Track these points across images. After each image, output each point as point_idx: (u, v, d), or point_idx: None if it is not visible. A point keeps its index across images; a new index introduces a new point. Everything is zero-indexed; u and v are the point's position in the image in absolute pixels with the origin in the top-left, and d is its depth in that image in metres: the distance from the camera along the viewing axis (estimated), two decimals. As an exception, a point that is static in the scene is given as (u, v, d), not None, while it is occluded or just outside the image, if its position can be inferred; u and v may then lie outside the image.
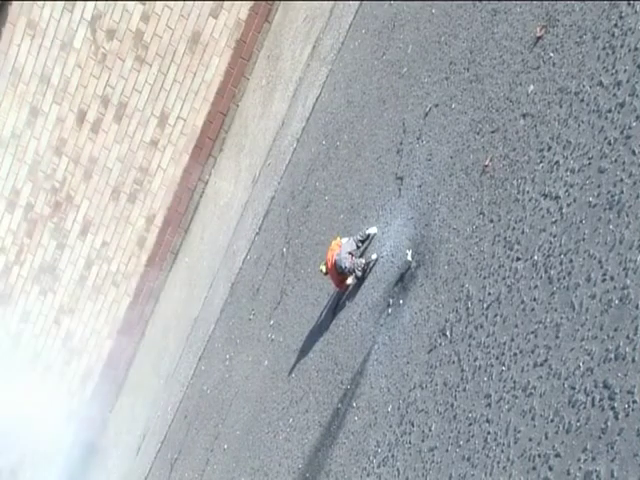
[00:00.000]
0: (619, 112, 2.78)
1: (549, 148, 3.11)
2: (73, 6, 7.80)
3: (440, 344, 3.41)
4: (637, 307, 2.39)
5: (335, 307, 4.72)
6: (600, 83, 2.95)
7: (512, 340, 2.92)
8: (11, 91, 8.01)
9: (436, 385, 3.33)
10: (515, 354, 2.88)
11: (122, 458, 8.38)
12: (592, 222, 2.72)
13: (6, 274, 8.65)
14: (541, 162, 3.13)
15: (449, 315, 3.41)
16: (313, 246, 5.46)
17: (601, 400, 2.40)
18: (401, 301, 3.91)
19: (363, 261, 4.37)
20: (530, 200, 3.12)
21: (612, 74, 2.90)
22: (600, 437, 2.35)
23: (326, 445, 4.19)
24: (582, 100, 3.01)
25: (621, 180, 2.65)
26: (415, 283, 3.82)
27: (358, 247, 4.43)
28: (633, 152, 2.64)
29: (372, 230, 4.43)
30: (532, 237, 3.03)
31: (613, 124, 2.79)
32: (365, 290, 4.37)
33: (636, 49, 2.82)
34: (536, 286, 2.89)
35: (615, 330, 2.44)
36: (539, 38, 3.45)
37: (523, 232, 3.09)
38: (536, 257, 2.95)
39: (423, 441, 3.30)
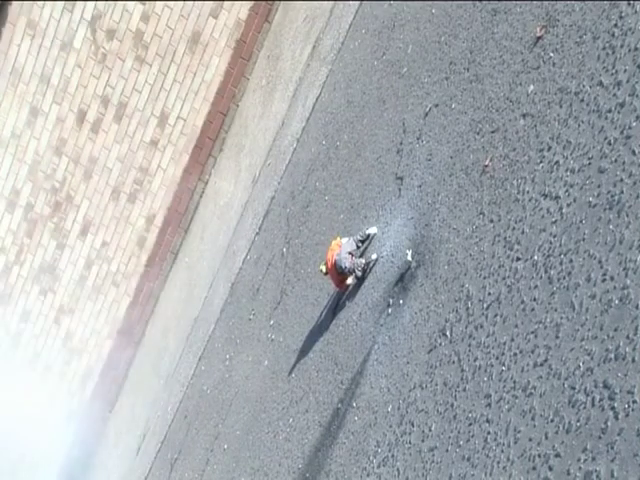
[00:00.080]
0: (619, 112, 2.78)
1: (549, 148, 3.11)
2: (73, 6, 7.80)
3: (440, 344, 3.41)
4: (637, 307, 2.39)
5: (335, 307, 4.72)
6: (600, 83, 2.95)
7: (512, 340, 2.92)
8: (11, 91, 8.02)
9: (436, 385, 3.33)
10: (515, 354, 2.88)
11: (122, 458, 8.38)
12: (592, 222, 2.72)
13: (6, 274, 8.65)
14: (541, 162, 3.14)
15: (449, 315, 3.41)
16: (313, 246, 5.46)
17: (601, 400, 2.40)
18: (401, 301, 3.91)
19: (363, 261, 4.37)
20: (530, 200, 3.12)
21: (612, 74, 2.90)
22: (600, 437, 2.35)
23: (326, 445, 4.19)
24: (582, 100, 3.01)
25: (621, 180, 2.65)
26: (415, 283, 3.82)
27: (358, 247, 4.43)
28: (633, 152, 2.64)
29: (372, 230, 4.43)
30: (532, 237, 3.03)
31: (613, 124, 2.79)
32: (365, 290, 4.37)
33: (636, 49, 2.82)
34: (536, 286, 2.89)
35: (615, 330, 2.44)
36: (539, 38, 3.45)
37: (523, 232, 3.09)
38: (536, 257, 2.95)
39: (423, 441, 3.30)
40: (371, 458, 3.68)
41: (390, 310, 3.99)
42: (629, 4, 2.94)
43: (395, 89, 4.89)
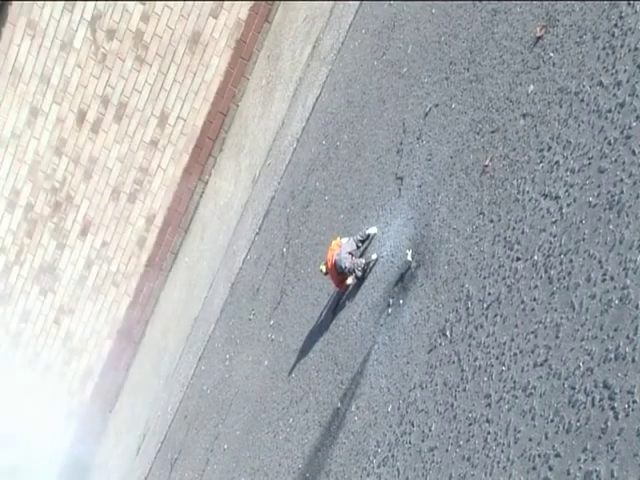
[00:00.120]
0: (619, 112, 2.78)
1: (549, 148, 3.11)
2: (73, 6, 7.80)
3: (440, 344, 3.41)
4: (637, 307, 2.39)
5: (335, 307, 4.72)
6: (600, 83, 2.95)
7: (512, 340, 2.92)
8: (11, 91, 8.02)
9: (436, 385, 3.33)
10: (515, 354, 2.88)
11: (122, 458, 8.38)
12: (592, 222, 2.72)
13: (6, 274, 8.65)
14: (541, 162, 3.13)
15: (449, 315, 3.41)
16: (313, 246, 5.46)
17: (601, 400, 2.40)
18: (401, 301, 3.91)
19: (363, 261, 4.37)
20: (530, 200, 3.12)
21: (612, 74, 2.90)
22: (600, 437, 2.35)
23: (326, 445, 4.19)
24: (582, 100, 3.01)
25: (621, 180, 2.65)
26: (415, 283, 3.82)
27: (358, 247, 4.43)
28: (633, 152, 2.64)
29: (372, 230, 4.43)
30: (532, 237, 3.03)
31: (613, 124, 2.79)
32: (365, 290, 4.37)
33: (636, 49, 2.82)
34: (536, 286, 2.89)
35: (615, 330, 2.44)
36: (539, 38, 3.45)
37: (523, 232, 3.09)
38: (536, 257, 2.95)
39: (423, 441, 3.30)
40: (371, 458, 3.68)
41: (390, 310, 3.99)
42: (629, 4, 2.94)
43: (395, 89, 4.89)
